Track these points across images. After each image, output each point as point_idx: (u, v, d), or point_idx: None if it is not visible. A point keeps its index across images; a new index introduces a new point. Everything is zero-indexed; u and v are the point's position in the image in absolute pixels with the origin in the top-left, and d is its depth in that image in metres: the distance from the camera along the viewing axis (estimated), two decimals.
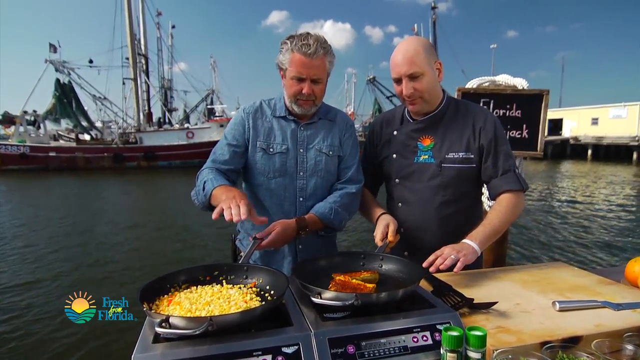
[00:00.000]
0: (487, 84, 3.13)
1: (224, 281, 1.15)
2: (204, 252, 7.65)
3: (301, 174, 1.66)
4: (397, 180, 1.74)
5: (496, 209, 1.56)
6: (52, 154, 28.65)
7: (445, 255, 1.30)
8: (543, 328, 0.99)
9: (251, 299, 1.02)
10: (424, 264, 1.29)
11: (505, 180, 1.59)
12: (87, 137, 33.01)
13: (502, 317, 1.05)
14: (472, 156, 1.61)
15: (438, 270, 1.27)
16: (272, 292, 1.09)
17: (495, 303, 1.08)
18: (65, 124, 33.78)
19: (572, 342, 0.95)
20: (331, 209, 1.61)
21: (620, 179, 20.43)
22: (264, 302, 0.99)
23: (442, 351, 0.85)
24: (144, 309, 0.91)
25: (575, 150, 37.37)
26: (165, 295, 1.04)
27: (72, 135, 33.07)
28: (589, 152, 36.01)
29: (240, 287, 1.10)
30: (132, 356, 0.79)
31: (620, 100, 37.17)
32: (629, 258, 1.41)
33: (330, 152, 1.69)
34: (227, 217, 1.22)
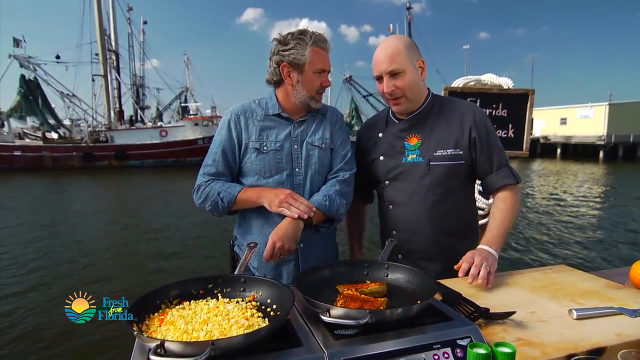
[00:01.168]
0: (472, 82, 3.12)
1: (219, 295, 1.04)
2: (184, 254, 7.45)
3: (297, 170, 1.62)
4: (386, 182, 1.69)
5: (501, 207, 1.54)
6: (17, 153, 27.53)
7: (477, 264, 1.28)
8: (565, 339, 0.93)
9: (252, 315, 0.93)
10: (460, 274, 1.29)
11: (502, 175, 1.57)
12: (54, 135, 31.79)
13: (520, 327, 0.99)
14: (462, 152, 1.57)
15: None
16: (274, 306, 0.99)
17: (513, 313, 1.01)
18: (31, 121, 32.49)
19: (596, 354, 0.90)
20: (324, 196, 1.57)
21: (589, 177, 21.17)
22: (266, 319, 0.90)
23: None
24: (134, 332, 0.80)
25: (545, 148, 38.57)
26: (156, 313, 0.93)
27: (39, 134, 31.82)
28: (558, 150, 37.27)
29: (238, 302, 1.00)
30: None
31: (588, 101, 38.57)
32: (623, 258, 1.40)
33: (323, 145, 1.66)
34: (293, 215, 1.45)
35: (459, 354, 0.84)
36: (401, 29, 43.63)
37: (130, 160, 29.11)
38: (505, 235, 1.48)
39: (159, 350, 0.72)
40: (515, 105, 3.01)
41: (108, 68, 33.83)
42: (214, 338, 0.80)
